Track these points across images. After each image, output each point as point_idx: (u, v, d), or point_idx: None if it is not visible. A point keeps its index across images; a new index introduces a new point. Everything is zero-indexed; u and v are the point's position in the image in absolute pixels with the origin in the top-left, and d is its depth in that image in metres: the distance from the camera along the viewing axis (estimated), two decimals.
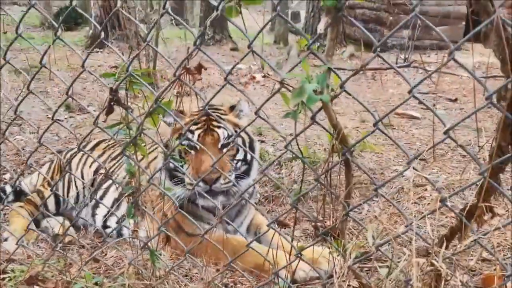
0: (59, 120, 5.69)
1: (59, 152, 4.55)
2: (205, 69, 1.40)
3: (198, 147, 2.51)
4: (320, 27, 1.07)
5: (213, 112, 2.71)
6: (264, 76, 8.99)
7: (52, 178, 3.37)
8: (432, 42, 11.32)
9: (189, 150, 2.57)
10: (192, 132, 2.58)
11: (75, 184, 3.27)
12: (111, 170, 3.29)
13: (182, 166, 2.54)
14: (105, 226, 3.13)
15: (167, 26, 13.02)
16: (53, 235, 2.97)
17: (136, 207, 1.77)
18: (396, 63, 9.18)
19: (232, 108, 2.83)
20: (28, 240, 2.90)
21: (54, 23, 1.70)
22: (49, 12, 13.05)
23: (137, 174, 1.76)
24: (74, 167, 3.36)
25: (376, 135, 4.37)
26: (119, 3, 1.74)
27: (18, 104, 1.87)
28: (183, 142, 2.52)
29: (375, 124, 1.16)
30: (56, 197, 3.22)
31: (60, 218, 3.07)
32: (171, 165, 2.57)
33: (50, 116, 5.82)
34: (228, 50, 12.40)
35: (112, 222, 3.12)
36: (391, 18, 11.94)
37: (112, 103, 1.43)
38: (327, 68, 1.09)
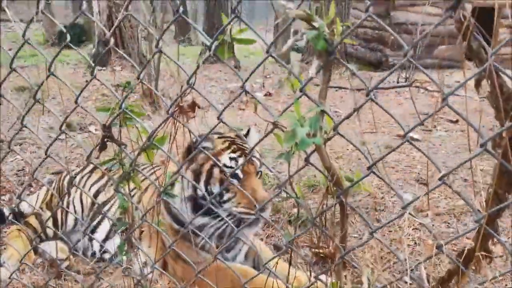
0: (60, 138, 5.71)
1: (59, 173, 4.55)
2: (199, 107, 1.39)
3: (241, 175, 2.46)
4: (312, 72, 1.06)
5: (234, 140, 2.66)
6: (265, 95, 9.02)
7: (51, 200, 3.35)
8: (433, 62, 11.30)
9: (231, 179, 2.44)
10: (235, 159, 2.51)
11: (74, 208, 3.25)
12: (110, 195, 3.28)
13: (222, 195, 2.47)
14: (103, 251, 3.11)
15: (170, 44, 13.12)
16: (50, 261, 2.95)
17: (129, 243, 1.74)
18: (397, 83, 9.19)
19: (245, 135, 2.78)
20: (25, 266, 2.88)
21: (42, 53, 1.69)
22: (53, 30, 13.17)
23: (130, 209, 1.74)
24: (73, 190, 3.34)
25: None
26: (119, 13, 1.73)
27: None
28: (227, 170, 2.44)
29: (369, 168, 1.15)
30: (55, 221, 3.20)
31: (54, 243, 3.05)
32: (199, 192, 2.49)
33: (51, 135, 5.83)
34: None
35: (109, 247, 3.09)
36: (392, 37, 11.99)
37: (105, 140, 1.42)
38: (320, 111, 1.08)
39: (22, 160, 4.80)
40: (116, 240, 3.06)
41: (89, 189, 3.33)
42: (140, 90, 7.46)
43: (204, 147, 2.45)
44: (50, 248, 3.11)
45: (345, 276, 2.73)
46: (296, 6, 1.09)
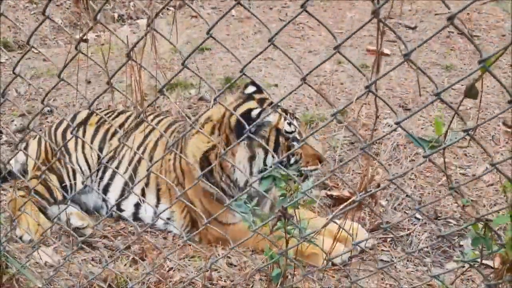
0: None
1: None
2: None
3: (298, 137, 2.61)
4: None
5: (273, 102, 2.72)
6: None
7: (47, 160, 3.15)
8: None
9: (292, 143, 2.60)
10: (292, 124, 2.60)
11: (80, 167, 3.10)
12: (113, 148, 3.15)
13: (289, 159, 2.59)
14: (119, 210, 3.07)
15: None
16: (73, 229, 2.87)
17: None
18: None
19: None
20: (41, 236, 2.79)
21: None
22: None
23: None
24: (72, 149, 3.15)
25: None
26: None
27: None
28: (290, 136, 2.60)
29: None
30: (62, 183, 3.06)
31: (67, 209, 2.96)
32: (268, 163, 2.58)
33: None
34: None
35: (127, 205, 3.06)
36: None
37: None
38: None
39: None
40: (135, 191, 3.04)
41: (91, 146, 3.16)
42: None
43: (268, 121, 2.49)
44: (64, 214, 3.02)
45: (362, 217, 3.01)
46: None
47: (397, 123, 1.20)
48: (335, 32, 5.82)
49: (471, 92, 1.16)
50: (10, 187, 3.21)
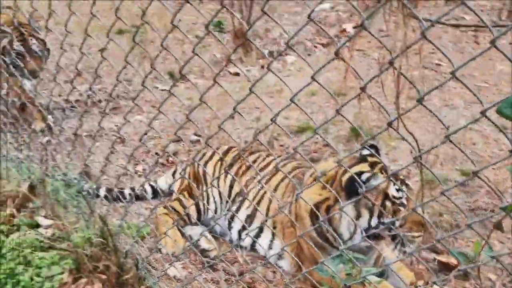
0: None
1: (178, 141, 4.91)
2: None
3: (406, 203, 2.81)
4: None
5: (383, 165, 2.93)
6: (356, 27, 8.33)
7: (190, 188, 3.72)
8: None
9: (399, 207, 2.79)
10: (401, 190, 2.81)
11: (213, 198, 3.63)
12: (242, 185, 3.61)
13: (394, 223, 2.80)
14: (239, 239, 3.51)
15: None
16: (200, 250, 3.36)
17: None
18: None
19: None
20: (175, 251, 3.32)
21: None
22: None
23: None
24: (209, 179, 3.69)
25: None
26: None
27: None
28: (396, 201, 2.79)
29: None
30: (197, 208, 3.61)
31: (199, 230, 3.49)
32: (372, 223, 2.79)
33: (160, 88, 6.05)
34: None
35: (246, 236, 3.49)
36: None
37: None
38: None
39: (141, 121, 5.17)
40: (253, 225, 3.46)
41: (224, 180, 3.67)
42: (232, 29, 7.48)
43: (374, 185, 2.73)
44: (196, 234, 3.53)
45: None
46: None
47: None
48: (480, 85, 5.68)
49: (498, 227, 1.32)
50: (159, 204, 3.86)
